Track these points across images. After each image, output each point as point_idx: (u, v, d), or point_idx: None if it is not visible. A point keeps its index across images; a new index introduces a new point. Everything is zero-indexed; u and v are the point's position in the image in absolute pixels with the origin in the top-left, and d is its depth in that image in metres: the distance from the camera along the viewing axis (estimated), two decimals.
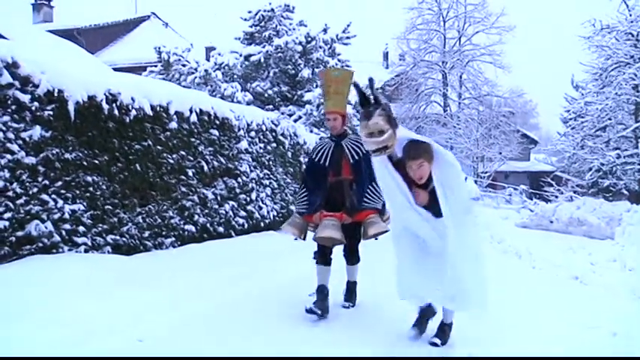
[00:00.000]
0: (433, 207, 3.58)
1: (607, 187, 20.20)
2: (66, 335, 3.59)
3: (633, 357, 3.82)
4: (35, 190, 5.18)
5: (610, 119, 20.65)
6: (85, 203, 5.77)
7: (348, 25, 17.54)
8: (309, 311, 4.31)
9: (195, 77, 15.64)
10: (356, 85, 3.61)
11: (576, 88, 25.44)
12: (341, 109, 4.70)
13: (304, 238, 4.80)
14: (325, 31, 17.38)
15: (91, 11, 29.85)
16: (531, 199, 20.94)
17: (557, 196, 19.00)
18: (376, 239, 4.56)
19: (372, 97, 3.40)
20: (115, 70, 18.35)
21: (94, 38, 26.69)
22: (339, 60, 17.65)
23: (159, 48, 16.38)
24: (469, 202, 3.64)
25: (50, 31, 20.86)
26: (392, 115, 3.36)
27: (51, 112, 5.37)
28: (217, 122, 8.43)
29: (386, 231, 4.39)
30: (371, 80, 3.50)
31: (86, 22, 27.00)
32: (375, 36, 41.51)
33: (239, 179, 9.01)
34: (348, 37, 17.71)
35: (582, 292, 6.04)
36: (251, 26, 17.73)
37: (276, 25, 17.52)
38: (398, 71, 29.42)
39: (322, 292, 4.56)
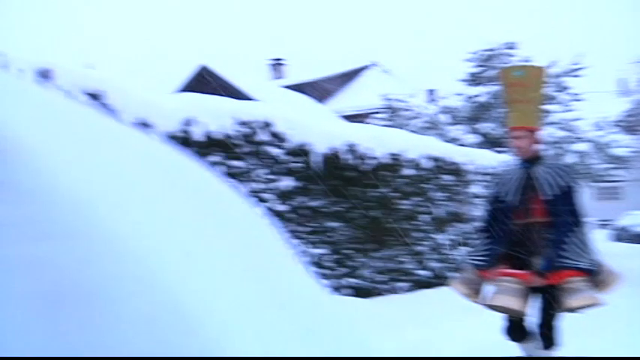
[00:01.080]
0: None
1: None
2: None
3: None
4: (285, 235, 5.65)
5: None
6: (328, 248, 6.12)
7: (578, 57, 16.44)
8: None
9: (420, 122, 15.91)
10: None
11: None
12: (528, 124, 3.38)
13: (478, 300, 3.45)
14: (553, 65, 16.45)
15: (316, 64, 32.35)
16: None
17: None
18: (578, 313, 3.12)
19: None
20: (342, 118, 19.54)
21: (322, 89, 28.86)
22: (569, 94, 16.57)
23: (386, 96, 17.04)
24: None
25: (284, 87, 23.11)
26: None
27: (299, 165, 5.86)
28: (448, 167, 8.40)
29: (594, 304, 3.02)
30: None
31: (314, 75, 29.38)
32: (607, 64, 38.31)
33: (471, 224, 8.81)
34: (578, 69, 16.57)
35: None
36: (474, 66, 17.58)
37: (500, 64, 17.10)
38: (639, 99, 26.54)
39: None
